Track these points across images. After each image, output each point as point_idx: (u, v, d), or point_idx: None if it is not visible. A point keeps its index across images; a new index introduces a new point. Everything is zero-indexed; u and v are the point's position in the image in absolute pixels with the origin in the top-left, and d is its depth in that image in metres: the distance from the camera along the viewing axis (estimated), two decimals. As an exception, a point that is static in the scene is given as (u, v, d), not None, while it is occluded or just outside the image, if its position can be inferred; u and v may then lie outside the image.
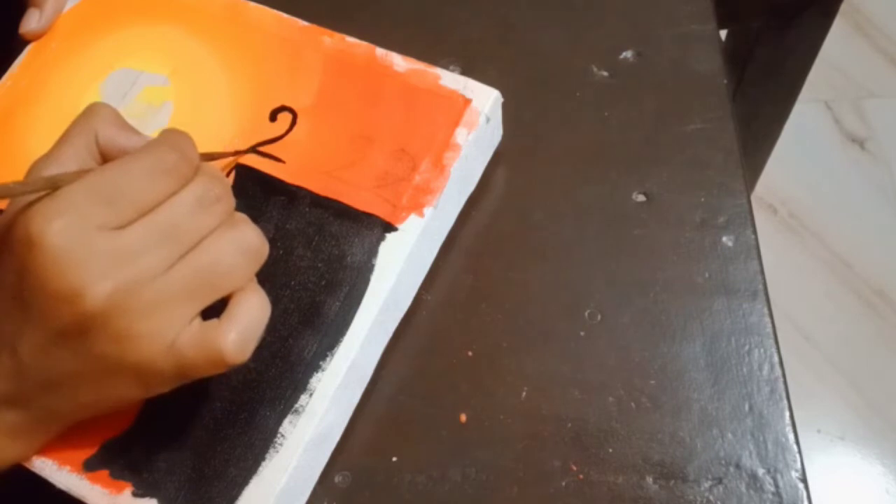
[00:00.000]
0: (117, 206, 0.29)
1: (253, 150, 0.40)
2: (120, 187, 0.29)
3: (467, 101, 0.40)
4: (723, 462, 0.36)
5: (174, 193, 0.30)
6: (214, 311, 0.31)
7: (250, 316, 0.31)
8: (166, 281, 0.29)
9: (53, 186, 0.29)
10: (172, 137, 0.32)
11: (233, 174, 0.40)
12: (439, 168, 0.39)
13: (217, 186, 0.31)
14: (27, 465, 0.34)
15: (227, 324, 0.30)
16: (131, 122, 0.34)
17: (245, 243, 0.31)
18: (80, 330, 0.29)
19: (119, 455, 0.34)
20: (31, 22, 0.44)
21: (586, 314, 0.40)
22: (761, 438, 0.37)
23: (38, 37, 0.44)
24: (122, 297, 0.28)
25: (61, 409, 0.32)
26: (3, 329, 0.30)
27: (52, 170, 0.31)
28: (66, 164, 0.31)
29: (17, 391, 0.31)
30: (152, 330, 0.29)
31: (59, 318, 0.29)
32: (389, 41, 0.42)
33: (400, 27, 0.47)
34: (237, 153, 0.40)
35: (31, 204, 0.29)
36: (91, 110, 0.33)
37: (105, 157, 0.33)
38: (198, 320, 0.30)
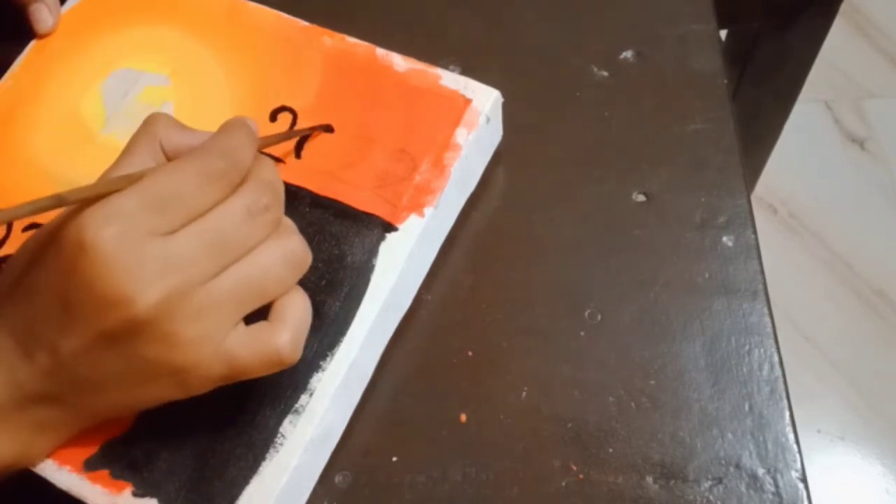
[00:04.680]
0: (167, 213, 0.29)
1: (294, 132, 0.40)
2: (169, 193, 0.29)
3: (467, 102, 0.40)
4: (723, 462, 0.36)
5: (224, 199, 0.31)
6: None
7: (298, 316, 0.32)
8: (214, 288, 0.30)
9: (107, 192, 0.30)
10: (223, 141, 0.32)
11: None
12: (439, 168, 0.39)
13: (266, 195, 0.31)
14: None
15: (279, 325, 0.31)
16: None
17: (292, 254, 0.32)
18: (127, 334, 0.29)
19: (119, 455, 0.34)
20: (41, 18, 0.44)
21: (586, 314, 0.40)
22: (761, 438, 0.37)
23: (52, 30, 0.44)
24: (170, 303, 0.29)
25: (97, 408, 0.33)
26: (44, 327, 0.30)
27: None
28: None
29: (53, 389, 0.31)
30: (200, 334, 0.30)
31: (106, 322, 0.29)
32: (390, 41, 0.42)
33: (400, 27, 0.48)
34: (284, 135, 0.39)
35: (82, 207, 0.29)
36: (151, 120, 0.34)
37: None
38: (242, 323, 0.31)
